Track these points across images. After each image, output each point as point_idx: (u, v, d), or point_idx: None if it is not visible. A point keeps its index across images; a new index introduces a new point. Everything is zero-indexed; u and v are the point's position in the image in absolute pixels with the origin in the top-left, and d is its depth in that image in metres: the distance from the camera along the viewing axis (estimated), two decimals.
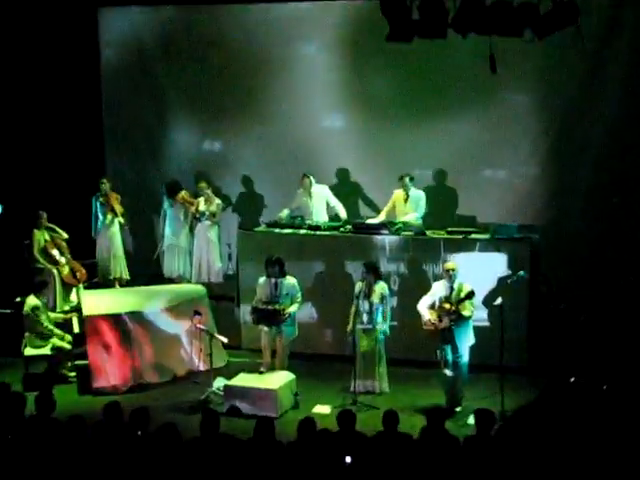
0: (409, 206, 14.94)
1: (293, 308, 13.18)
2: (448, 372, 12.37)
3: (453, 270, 12.40)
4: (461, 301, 12.21)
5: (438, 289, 12.51)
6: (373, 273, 13.00)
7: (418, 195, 15.04)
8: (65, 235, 15.60)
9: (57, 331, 13.66)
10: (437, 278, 13.27)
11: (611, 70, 15.05)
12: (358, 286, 13.05)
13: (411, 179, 15.00)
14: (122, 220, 16.45)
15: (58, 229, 15.60)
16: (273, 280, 13.21)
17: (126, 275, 16.61)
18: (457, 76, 15.63)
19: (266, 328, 13.22)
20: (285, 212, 15.26)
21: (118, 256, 16.55)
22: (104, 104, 17.75)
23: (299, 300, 13.30)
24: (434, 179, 16.12)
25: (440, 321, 12.27)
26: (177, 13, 17.08)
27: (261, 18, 16.58)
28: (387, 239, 14.24)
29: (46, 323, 13.56)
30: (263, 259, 13.41)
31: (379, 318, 12.91)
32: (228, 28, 16.83)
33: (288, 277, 13.29)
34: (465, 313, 12.23)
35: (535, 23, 12.14)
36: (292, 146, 16.71)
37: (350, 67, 16.32)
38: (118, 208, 16.39)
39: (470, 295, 12.20)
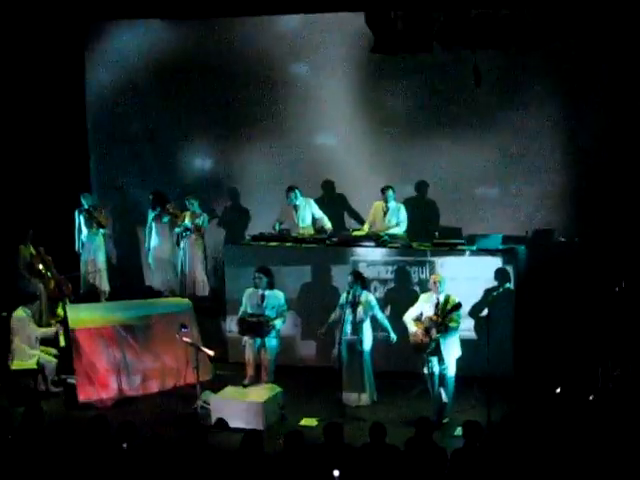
0: (388, 217, 15.08)
1: (279, 321, 13.18)
2: (438, 392, 12.39)
3: (439, 282, 12.42)
4: (448, 313, 12.21)
5: (425, 301, 12.52)
6: (360, 283, 13.00)
7: (397, 206, 15.16)
8: (50, 259, 15.60)
9: (41, 348, 13.64)
10: (423, 290, 13.29)
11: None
12: (343, 296, 13.05)
13: (393, 191, 15.09)
14: (106, 231, 16.48)
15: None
16: (260, 292, 13.20)
17: (106, 287, 16.62)
18: (452, 93, 15.67)
19: (250, 340, 13.22)
20: (276, 225, 15.31)
21: (101, 269, 16.55)
22: (90, 119, 17.77)
23: (285, 314, 13.30)
24: (420, 192, 16.16)
25: (427, 333, 12.27)
26: (165, 29, 17.09)
27: (255, 34, 16.62)
28: (373, 251, 14.26)
29: (36, 330, 13.59)
30: (249, 272, 13.43)
31: (362, 327, 12.89)
32: (216, 44, 16.88)
33: (275, 290, 13.29)
34: (452, 325, 12.23)
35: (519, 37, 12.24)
36: (280, 160, 16.79)
37: (342, 84, 16.38)
38: (103, 220, 16.42)
39: (457, 307, 12.21)
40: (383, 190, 15.11)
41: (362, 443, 9.40)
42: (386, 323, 13.02)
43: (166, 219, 16.50)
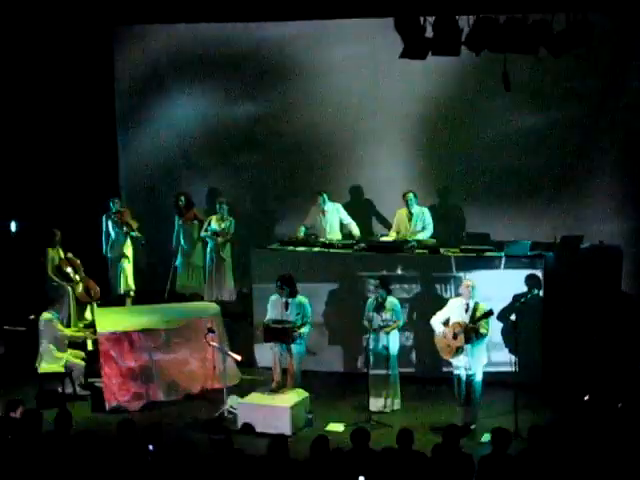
0: (413, 222, 15.05)
1: (305, 328, 13.15)
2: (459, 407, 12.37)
3: (472, 287, 12.35)
4: (478, 320, 12.16)
5: (454, 306, 12.46)
6: (384, 288, 12.97)
7: (421, 211, 15.14)
8: (78, 262, 15.66)
9: (76, 333, 13.77)
10: (451, 295, 13.23)
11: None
12: (370, 301, 13.04)
13: (415, 195, 15.04)
14: (138, 234, 16.47)
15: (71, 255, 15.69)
16: (284, 299, 13.19)
17: (132, 286, 16.65)
18: (477, 95, 15.69)
19: (276, 347, 13.22)
20: (301, 229, 15.30)
21: (128, 270, 16.60)
22: (118, 122, 17.85)
23: (309, 320, 13.27)
24: (447, 197, 16.14)
25: (454, 338, 12.23)
26: (190, 31, 17.11)
27: (276, 36, 16.63)
28: (401, 257, 14.23)
29: (65, 331, 13.68)
30: (277, 277, 13.40)
31: (388, 332, 12.88)
32: (240, 46, 16.88)
33: (299, 296, 13.26)
34: (482, 331, 12.17)
35: (549, 41, 12.19)
36: (307, 163, 16.79)
37: (368, 84, 16.36)
38: (133, 223, 16.43)
39: (487, 314, 12.14)
40: (404, 195, 15.10)
41: (389, 449, 9.36)
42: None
43: (188, 223, 16.53)
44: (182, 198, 16.67)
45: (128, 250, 16.61)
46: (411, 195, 15.05)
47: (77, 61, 16.85)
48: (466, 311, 12.27)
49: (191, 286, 16.69)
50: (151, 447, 9.02)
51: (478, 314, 12.16)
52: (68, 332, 13.98)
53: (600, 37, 12.49)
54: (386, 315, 12.86)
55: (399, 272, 14.12)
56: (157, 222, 17.41)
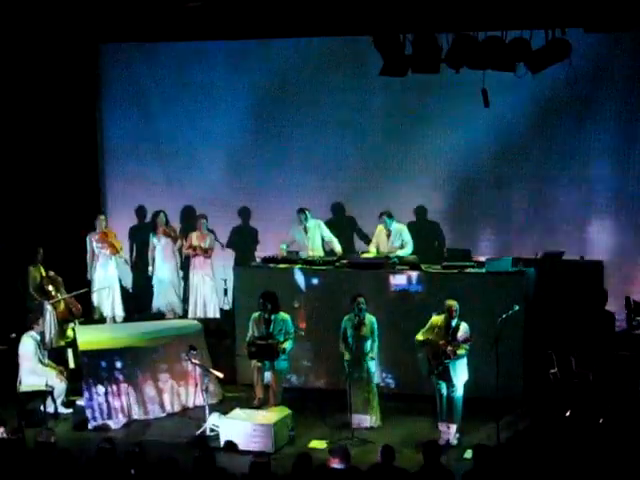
0: (391, 240, 15.10)
1: (287, 344, 13.17)
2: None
3: (454, 309, 12.32)
4: (459, 342, 12.18)
5: (436, 324, 12.45)
6: (363, 304, 12.92)
7: (399, 228, 15.17)
8: (60, 280, 15.61)
9: (51, 369, 13.64)
10: (433, 312, 13.25)
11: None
12: (347, 318, 13.00)
13: (389, 216, 15.11)
14: (123, 255, 16.42)
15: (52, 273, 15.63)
16: (266, 316, 13.20)
17: (121, 312, 16.58)
18: (454, 108, 15.73)
19: (259, 363, 13.21)
20: (283, 246, 15.31)
21: (115, 294, 16.51)
22: (103, 140, 17.85)
23: (292, 336, 13.27)
24: (427, 213, 16.22)
25: (435, 357, 12.23)
26: (174, 51, 17.13)
27: (260, 57, 16.71)
28: (382, 273, 14.26)
29: (40, 360, 13.55)
30: (259, 294, 13.40)
31: (367, 348, 12.89)
32: (223, 66, 16.95)
33: (281, 313, 13.28)
34: (460, 352, 12.20)
35: (528, 58, 12.30)
36: (289, 180, 16.83)
37: (351, 103, 16.43)
38: (117, 244, 16.35)
39: (466, 341, 12.18)
40: (380, 216, 15.16)
41: (371, 465, 9.38)
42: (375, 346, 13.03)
43: (162, 240, 16.48)
44: (162, 215, 16.62)
45: (113, 274, 16.51)
46: (385, 217, 15.10)
47: (61, 78, 16.77)
48: (448, 331, 12.28)
49: (167, 304, 16.60)
50: (133, 471, 9.01)
51: (459, 334, 12.19)
52: (40, 365, 13.78)
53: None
54: (365, 332, 12.86)
55: (381, 289, 14.14)
56: (139, 241, 17.36)
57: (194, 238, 16.34)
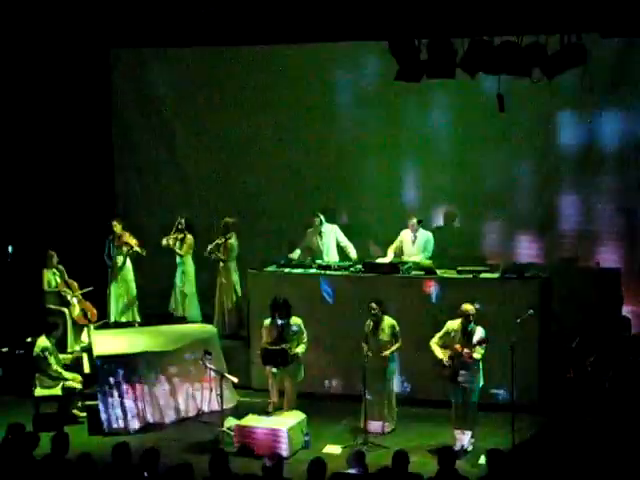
0: (416, 247, 15.02)
1: (300, 349, 13.15)
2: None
3: (471, 313, 12.29)
4: (474, 345, 12.15)
5: (452, 328, 12.44)
6: (380, 309, 12.95)
7: (426, 236, 15.11)
8: (75, 284, 15.61)
9: (65, 374, 13.65)
10: (450, 317, 13.23)
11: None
12: (367, 324, 13.02)
13: (419, 222, 15.06)
14: (140, 251, 16.16)
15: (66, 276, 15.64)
16: (279, 321, 13.18)
17: (138, 318, 16.44)
18: (477, 118, 15.70)
19: (274, 369, 13.22)
20: (297, 252, 15.30)
21: (131, 299, 16.38)
22: (115, 144, 17.87)
23: (305, 340, 13.24)
24: (444, 218, 16.24)
25: (451, 361, 12.22)
26: (187, 55, 17.16)
27: (271, 60, 16.67)
28: (396, 278, 14.24)
29: (55, 366, 13.55)
30: (271, 299, 13.36)
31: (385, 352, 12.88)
32: (236, 69, 16.97)
33: (294, 317, 13.25)
34: (476, 356, 12.16)
35: (543, 63, 12.27)
36: (304, 184, 16.81)
37: (364, 107, 16.48)
38: (133, 241, 16.10)
39: (483, 342, 12.14)
40: (409, 219, 15.07)
41: (384, 470, 9.35)
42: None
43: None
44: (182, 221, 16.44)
45: (129, 278, 16.32)
46: (415, 221, 15.03)
47: (74, 82, 16.82)
48: (464, 335, 12.26)
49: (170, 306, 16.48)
50: (146, 474, 9.01)
51: (475, 340, 12.17)
52: (62, 356, 13.89)
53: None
54: (382, 336, 12.86)
55: (397, 294, 14.12)
56: (154, 244, 17.34)
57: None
